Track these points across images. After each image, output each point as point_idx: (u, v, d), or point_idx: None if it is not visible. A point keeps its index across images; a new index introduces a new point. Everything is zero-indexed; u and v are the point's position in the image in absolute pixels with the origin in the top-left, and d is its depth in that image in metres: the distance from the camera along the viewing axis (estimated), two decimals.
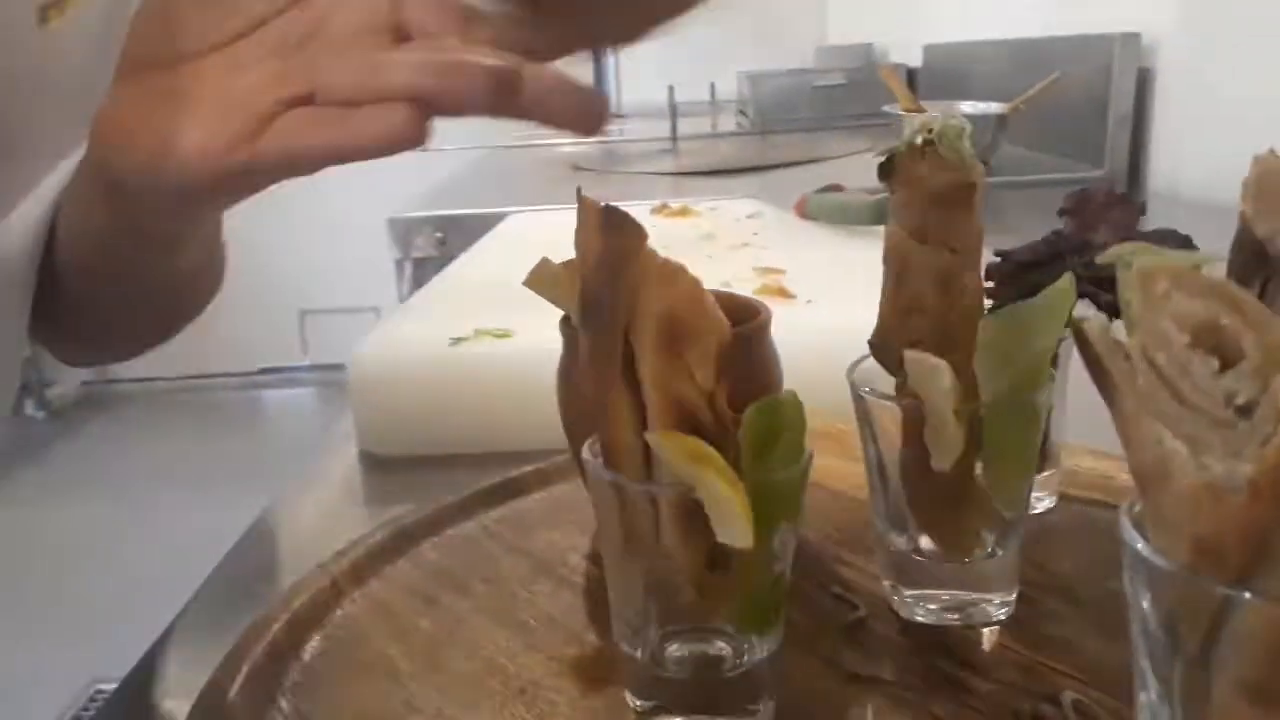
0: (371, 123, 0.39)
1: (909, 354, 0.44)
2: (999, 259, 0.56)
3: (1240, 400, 0.28)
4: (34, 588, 2.67)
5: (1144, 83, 1.74)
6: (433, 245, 1.62)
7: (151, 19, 0.43)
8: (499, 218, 1.41)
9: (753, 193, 1.50)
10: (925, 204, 0.47)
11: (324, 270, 4.01)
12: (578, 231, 0.42)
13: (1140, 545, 0.31)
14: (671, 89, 2.64)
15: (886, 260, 0.48)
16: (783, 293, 0.84)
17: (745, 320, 0.54)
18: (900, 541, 0.50)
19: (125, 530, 2.96)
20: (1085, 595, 0.49)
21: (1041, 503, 0.58)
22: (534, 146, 2.59)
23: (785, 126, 2.68)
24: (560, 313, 0.53)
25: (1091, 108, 1.81)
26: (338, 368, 0.93)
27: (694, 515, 0.39)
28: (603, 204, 0.41)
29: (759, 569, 0.40)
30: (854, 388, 0.48)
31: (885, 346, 0.49)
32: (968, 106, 1.93)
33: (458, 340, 0.79)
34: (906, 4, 3.00)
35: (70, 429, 3.84)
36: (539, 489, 0.64)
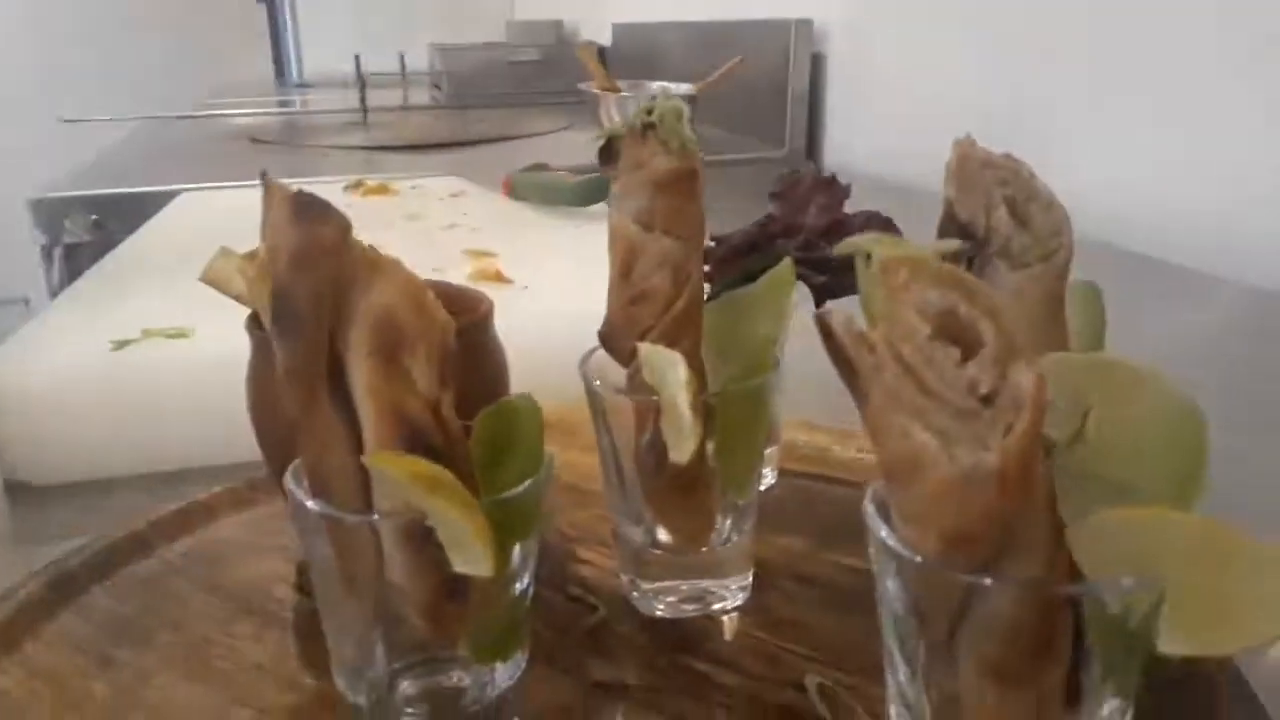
0: None
1: (643, 346, 0.43)
2: (714, 244, 0.56)
3: (984, 389, 0.28)
4: None
5: (817, 66, 1.86)
6: (86, 229, 1.42)
7: None
8: (166, 197, 1.26)
9: (451, 170, 1.44)
10: (650, 190, 0.45)
11: None
12: (265, 222, 0.36)
13: (887, 537, 0.31)
14: (358, 58, 2.51)
15: (612, 248, 0.46)
16: (499, 277, 0.80)
17: (465, 313, 0.49)
18: (637, 534, 0.48)
19: None
20: (814, 572, 0.50)
21: (764, 479, 0.59)
22: (202, 117, 2.37)
23: (481, 101, 2.62)
24: (246, 309, 0.47)
25: (771, 90, 1.91)
26: None
27: (424, 543, 0.35)
28: (294, 190, 0.35)
29: (499, 591, 0.37)
30: (587, 381, 0.46)
31: (615, 337, 0.46)
32: (658, 86, 1.97)
33: (122, 343, 0.68)
34: None
35: None
36: (231, 512, 0.57)
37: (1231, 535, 0.26)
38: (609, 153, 0.46)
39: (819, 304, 0.52)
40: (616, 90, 1.92)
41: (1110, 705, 0.31)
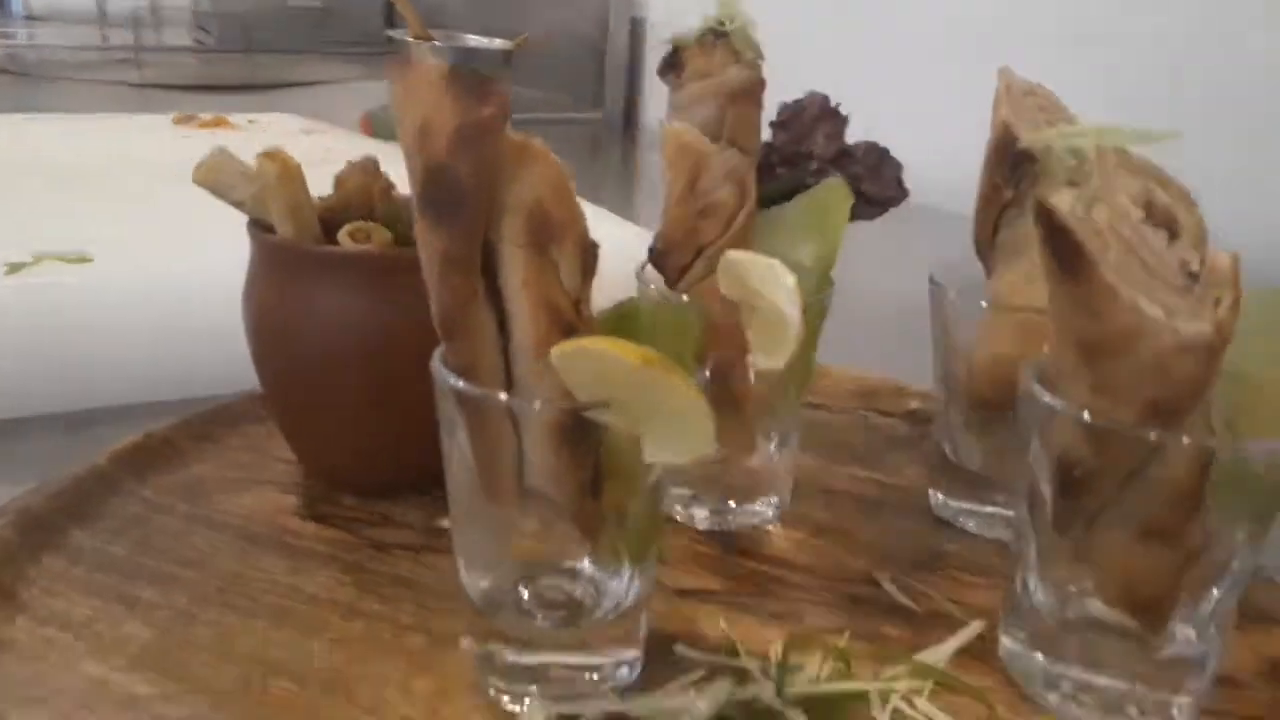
0: None
1: (736, 255, 0.42)
2: None
3: (1193, 267, 0.30)
4: None
5: (636, 30, 1.88)
6: None
7: None
8: None
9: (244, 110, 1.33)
10: (721, 101, 0.44)
11: None
12: (404, 98, 0.33)
13: (1065, 408, 0.33)
14: None
15: (676, 161, 0.45)
16: None
17: None
18: None
19: None
20: (836, 485, 0.52)
21: None
22: None
23: (259, 46, 2.44)
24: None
25: (588, 52, 1.91)
26: None
27: (577, 437, 0.34)
28: (449, 60, 0.32)
29: (633, 492, 0.35)
30: (647, 292, 0.45)
31: (672, 252, 0.46)
32: (473, 39, 1.92)
33: (15, 267, 0.59)
34: None
35: None
36: (194, 446, 0.51)
37: None
38: (674, 62, 0.46)
39: None
40: (430, 39, 1.85)
41: (1239, 557, 0.35)
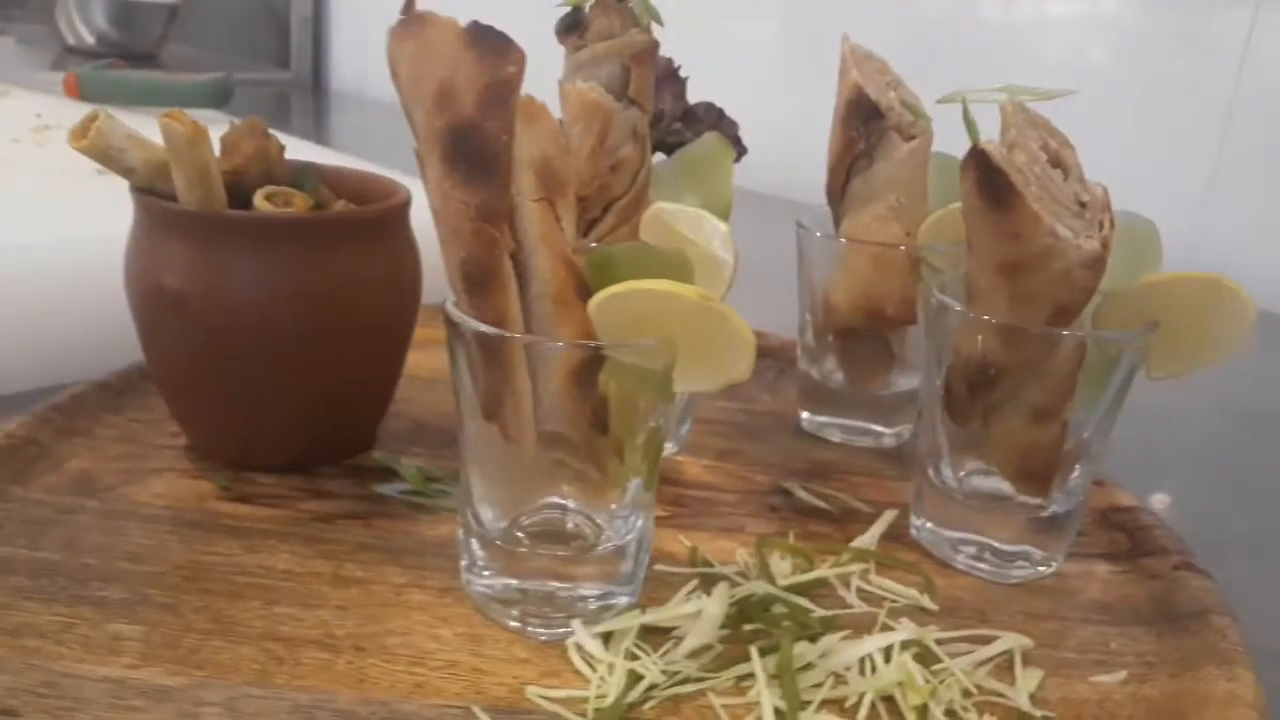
0: None
1: (664, 206, 0.46)
2: None
3: (1084, 199, 0.39)
4: None
5: None
6: None
7: None
8: None
9: None
10: (626, 60, 0.47)
11: None
12: (418, 57, 0.33)
13: (976, 314, 0.40)
14: None
15: (583, 120, 0.48)
16: None
17: (381, 199, 0.47)
18: None
19: None
20: (715, 416, 0.57)
21: None
22: None
23: None
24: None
25: (267, 10, 1.80)
26: None
27: (589, 376, 0.36)
28: (459, 19, 0.33)
29: (638, 426, 0.39)
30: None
31: (585, 209, 0.49)
32: None
33: None
34: None
35: None
36: (62, 441, 0.47)
37: (1210, 285, 0.40)
38: (574, 23, 0.48)
39: None
40: None
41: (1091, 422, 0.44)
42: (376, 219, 0.45)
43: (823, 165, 0.55)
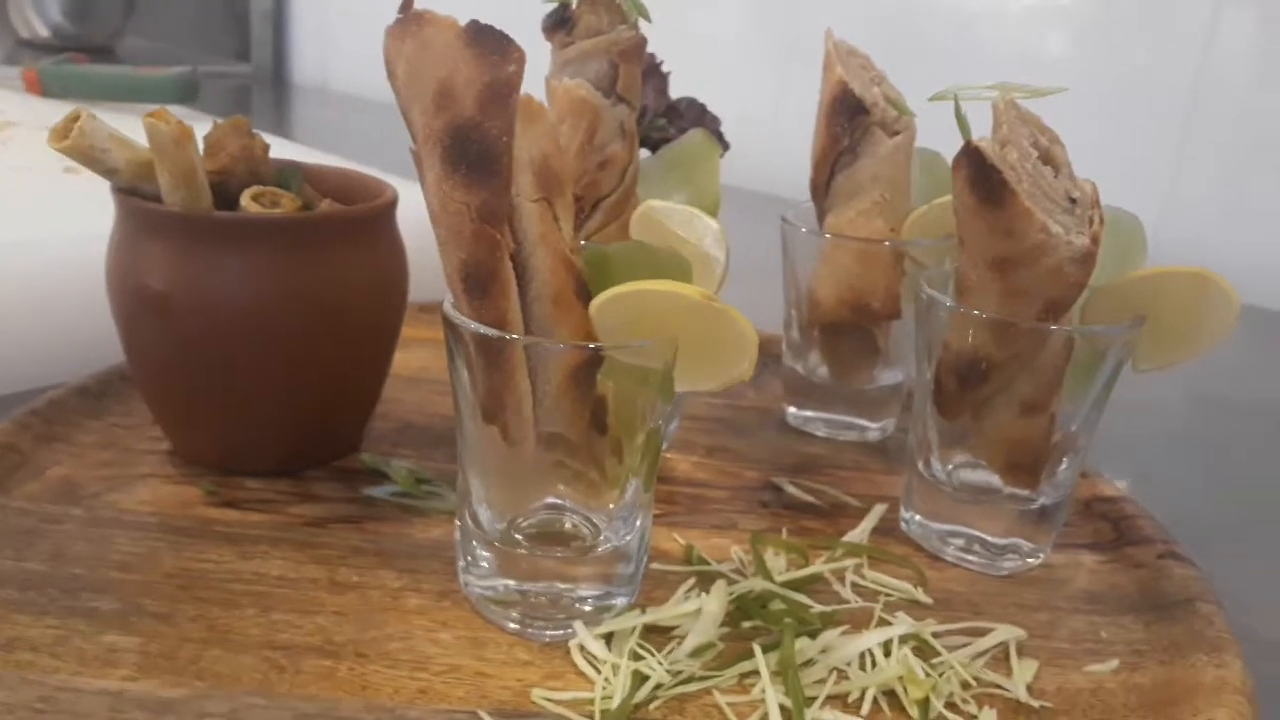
0: None
1: (655, 204, 0.46)
2: None
3: (1074, 195, 0.39)
4: None
5: None
6: None
7: None
8: None
9: None
10: (613, 58, 0.47)
11: None
12: (418, 56, 0.33)
13: (970, 309, 0.41)
14: None
15: (572, 116, 0.47)
16: None
17: (369, 199, 0.47)
18: None
19: None
20: (703, 413, 0.58)
21: None
22: None
23: None
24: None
25: (229, 4, 1.78)
26: None
27: (588, 377, 0.36)
28: (458, 19, 0.33)
29: (636, 427, 0.39)
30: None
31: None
32: None
33: None
34: None
35: None
36: (44, 449, 0.46)
37: (1196, 279, 0.41)
38: (562, 20, 0.48)
39: None
40: None
41: (1079, 415, 0.45)
42: (365, 218, 0.45)
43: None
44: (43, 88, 0.96)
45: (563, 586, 0.38)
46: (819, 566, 0.43)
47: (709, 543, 0.45)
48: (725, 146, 0.60)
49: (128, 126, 0.42)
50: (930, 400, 0.45)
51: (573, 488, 0.38)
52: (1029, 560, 0.45)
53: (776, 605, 0.40)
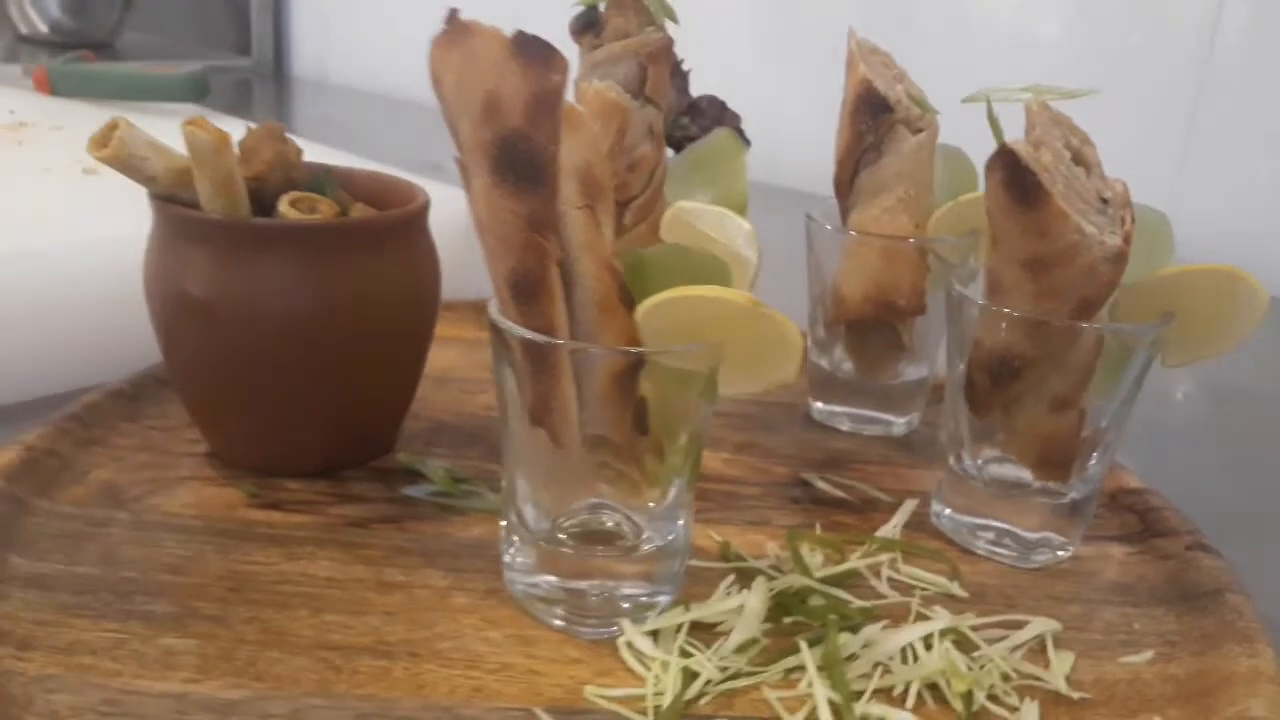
0: None
1: (686, 205, 0.46)
2: None
3: (1106, 195, 0.40)
4: None
5: None
6: None
7: None
8: None
9: None
10: (643, 59, 0.48)
11: None
12: (464, 67, 0.33)
13: (1002, 308, 0.41)
14: None
15: (600, 119, 0.48)
16: None
17: (401, 203, 0.47)
18: None
19: None
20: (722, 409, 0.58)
21: None
22: None
23: None
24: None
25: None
26: None
27: (630, 381, 0.37)
28: (502, 29, 0.33)
29: (676, 427, 0.39)
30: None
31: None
32: None
33: None
34: None
35: None
36: (82, 452, 0.46)
37: (1224, 277, 0.42)
38: (590, 22, 0.48)
39: None
40: None
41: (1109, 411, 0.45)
42: (401, 223, 0.45)
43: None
44: (52, 87, 0.96)
45: (608, 584, 0.39)
46: (855, 562, 0.43)
47: (744, 539, 0.45)
48: (747, 144, 0.60)
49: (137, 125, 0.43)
50: (961, 396, 0.45)
51: (616, 488, 0.39)
52: (1059, 553, 0.46)
53: (816, 601, 0.40)
